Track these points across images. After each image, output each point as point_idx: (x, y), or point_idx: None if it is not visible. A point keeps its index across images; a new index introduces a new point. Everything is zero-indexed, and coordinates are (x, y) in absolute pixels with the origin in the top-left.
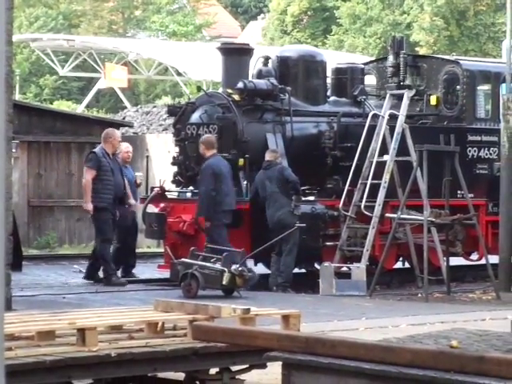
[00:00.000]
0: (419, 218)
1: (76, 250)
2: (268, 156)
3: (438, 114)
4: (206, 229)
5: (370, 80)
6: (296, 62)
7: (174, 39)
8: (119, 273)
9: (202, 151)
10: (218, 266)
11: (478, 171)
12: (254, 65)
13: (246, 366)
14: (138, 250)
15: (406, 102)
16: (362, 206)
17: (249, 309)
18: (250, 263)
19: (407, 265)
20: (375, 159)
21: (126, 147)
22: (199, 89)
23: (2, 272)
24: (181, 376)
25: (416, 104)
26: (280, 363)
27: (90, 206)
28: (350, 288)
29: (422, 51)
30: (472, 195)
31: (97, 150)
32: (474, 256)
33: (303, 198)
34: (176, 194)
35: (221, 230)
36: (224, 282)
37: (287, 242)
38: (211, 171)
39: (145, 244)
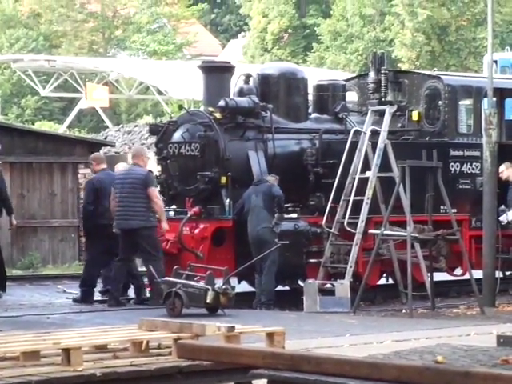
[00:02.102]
0: (402, 233)
1: (59, 270)
2: (268, 178)
3: (419, 130)
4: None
5: (352, 96)
6: (277, 79)
7: (154, 58)
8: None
9: (93, 167)
10: (201, 284)
11: (460, 186)
12: (236, 83)
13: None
14: None
15: (387, 117)
16: (345, 223)
17: (233, 327)
18: (234, 281)
19: (391, 281)
20: (358, 175)
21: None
22: (181, 107)
23: None
24: None
25: (398, 120)
26: (265, 381)
27: (167, 225)
28: (334, 305)
29: (404, 67)
30: (455, 210)
31: (139, 168)
32: (458, 271)
33: (286, 216)
34: None
35: (98, 244)
36: (208, 301)
37: (265, 261)
38: (91, 186)
39: None
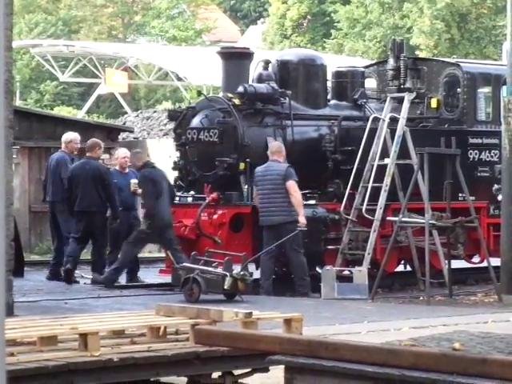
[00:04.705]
0: (420, 221)
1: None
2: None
3: (438, 117)
4: None
5: (371, 83)
6: (296, 65)
7: (173, 44)
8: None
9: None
10: (219, 270)
11: (479, 174)
12: (255, 69)
13: (249, 369)
14: (139, 255)
15: (406, 105)
16: (364, 210)
17: (251, 313)
18: (252, 267)
19: (409, 268)
20: (376, 162)
21: (123, 153)
22: (199, 93)
23: (3, 278)
24: (183, 380)
25: (416, 107)
26: (282, 367)
27: (304, 219)
28: (352, 291)
29: (422, 55)
30: (473, 198)
31: (279, 164)
32: (476, 258)
33: (304, 202)
34: (177, 198)
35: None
36: (226, 287)
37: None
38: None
39: (146, 249)
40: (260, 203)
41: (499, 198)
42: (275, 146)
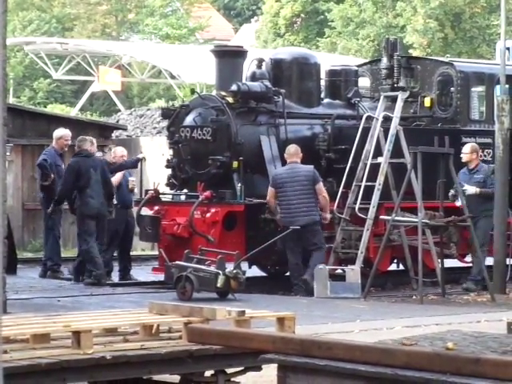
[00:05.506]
0: (413, 219)
1: (70, 253)
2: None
3: (432, 116)
4: None
5: (364, 82)
6: (290, 64)
7: (167, 42)
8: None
9: None
10: (212, 268)
11: None
12: (248, 67)
13: (242, 368)
14: (132, 253)
15: (399, 103)
16: (357, 208)
17: (244, 311)
18: (245, 266)
19: (402, 267)
20: (369, 161)
21: (121, 151)
22: (193, 91)
23: None
24: (176, 378)
25: (410, 106)
26: (275, 365)
27: (329, 216)
28: (345, 290)
29: (415, 53)
30: None
31: (303, 165)
32: (469, 258)
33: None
34: (170, 196)
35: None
36: (218, 285)
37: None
38: None
39: (139, 247)
40: (285, 204)
41: (457, 204)
42: (293, 148)
